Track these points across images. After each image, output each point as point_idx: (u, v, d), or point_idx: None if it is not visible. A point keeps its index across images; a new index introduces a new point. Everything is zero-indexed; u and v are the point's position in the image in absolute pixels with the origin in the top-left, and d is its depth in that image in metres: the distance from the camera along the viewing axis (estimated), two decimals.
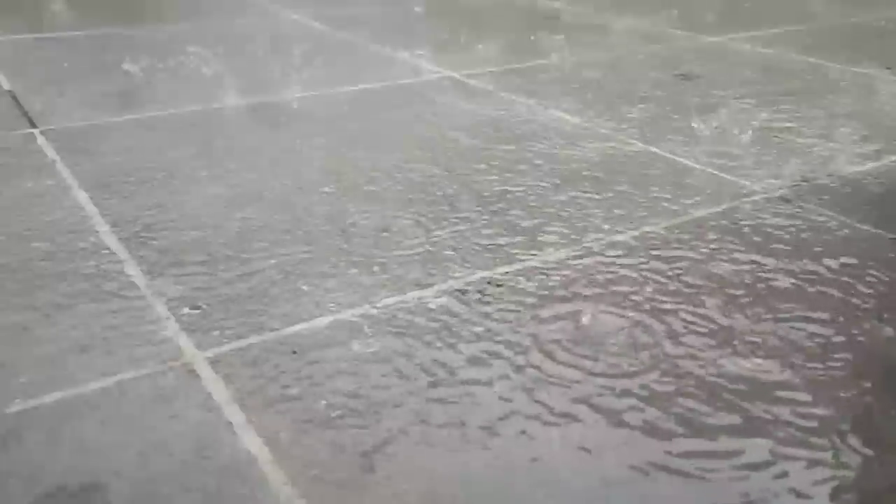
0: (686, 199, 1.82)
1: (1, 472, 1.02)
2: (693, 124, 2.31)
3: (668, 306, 1.39)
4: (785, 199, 1.82)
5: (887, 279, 1.49)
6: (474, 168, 1.98)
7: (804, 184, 1.92)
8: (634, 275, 1.49)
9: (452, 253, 1.56)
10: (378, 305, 1.39)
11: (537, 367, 1.22)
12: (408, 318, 1.35)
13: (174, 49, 3.11)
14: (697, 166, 2.01)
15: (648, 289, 1.44)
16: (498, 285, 1.45)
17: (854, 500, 0.99)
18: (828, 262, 1.55)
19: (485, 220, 1.70)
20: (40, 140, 2.15)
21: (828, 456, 1.05)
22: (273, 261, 1.53)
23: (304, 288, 1.44)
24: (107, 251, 1.56)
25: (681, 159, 2.06)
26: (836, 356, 1.26)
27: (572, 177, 1.94)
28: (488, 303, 1.39)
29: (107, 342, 1.28)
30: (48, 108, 2.41)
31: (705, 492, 1.00)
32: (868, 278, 1.49)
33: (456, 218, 1.70)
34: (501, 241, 1.61)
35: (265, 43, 3.26)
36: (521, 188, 1.86)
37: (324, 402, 1.15)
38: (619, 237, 1.64)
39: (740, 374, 1.22)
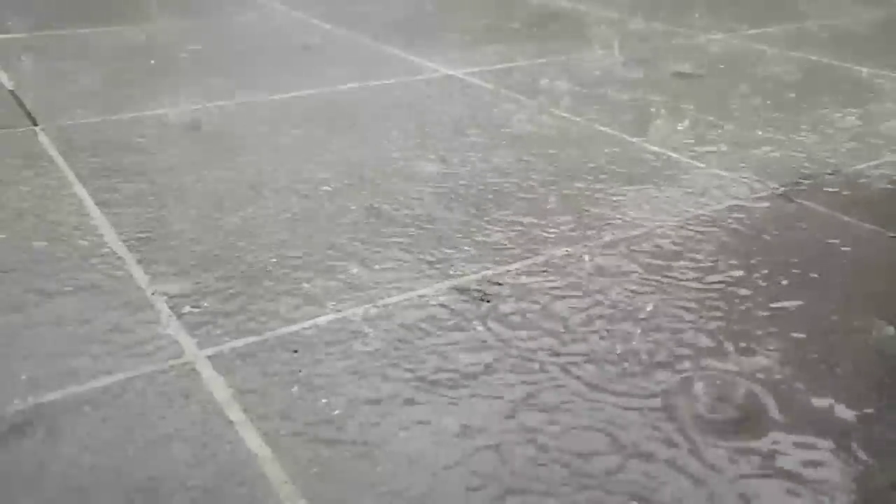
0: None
1: (2, 469, 1.02)
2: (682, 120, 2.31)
3: None
4: (787, 197, 1.83)
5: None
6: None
7: (806, 181, 1.92)
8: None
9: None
10: (379, 304, 1.39)
11: None
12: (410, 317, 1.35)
13: (177, 46, 3.11)
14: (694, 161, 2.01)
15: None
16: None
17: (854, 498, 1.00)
18: (828, 259, 1.55)
19: None
20: (42, 137, 2.15)
21: (827, 453, 1.06)
22: (275, 259, 1.54)
23: (306, 286, 1.44)
24: (108, 249, 1.57)
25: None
26: (836, 354, 1.26)
27: None
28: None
29: (108, 340, 1.28)
30: (50, 105, 2.41)
31: None
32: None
33: None
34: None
35: (266, 40, 3.26)
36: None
37: (324, 400, 1.15)
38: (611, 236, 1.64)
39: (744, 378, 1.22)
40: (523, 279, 1.47)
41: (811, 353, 1.27)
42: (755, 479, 1.02)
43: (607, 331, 1.32)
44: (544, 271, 1.50)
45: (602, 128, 2.27)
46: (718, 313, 1.37)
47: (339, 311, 1.37)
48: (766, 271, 1.51)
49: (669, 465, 1.03)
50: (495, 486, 1.00)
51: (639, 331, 1.32)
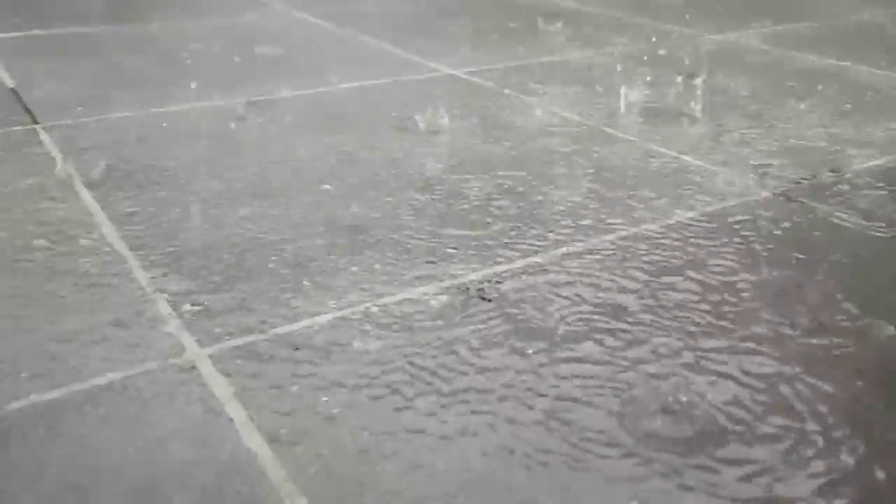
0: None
1: (2, 468, 1.02)
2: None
3: None
4: (787, 197, 1.82)
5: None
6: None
7: (806, 181, 1.92)
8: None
9: None
10: (379, 303, 1.39)
11: None
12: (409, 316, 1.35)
13: (178, 46, 3.11)
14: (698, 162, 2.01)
15: None
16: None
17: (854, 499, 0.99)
18: (828, 258, 1.55)
19: None
20: (42, 136, 2.15)
21: (827, 454, 1.06)
22: (275, 257, 1.54)
23: (307, 284, 1.44)
24: (108, 247, 1.57)
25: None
26: (836, 354, 1.26)
27: None
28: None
29: (108, 339, 1.28)
30: (51, 104, 2.41)
31: None
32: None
33: None
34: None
35: (267, 40, 3.26)
36: None
37: (325, 399, 1.15)
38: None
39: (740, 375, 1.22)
40: (524, 279, 1.47)
41: (811, 353, 1.27)
42: (751, 476, 1.02)
43: (606, 330, 1.32)
44: (545, 271, 1.50)
45: (604, 128, 2.27)
46: (717, 312, 1.37)
47: (340, 309, 1.37)
48: (765, 270, 1.51)
49: (665, 477, 1.03)
50: (495, 486, 1.00)
51: (637, 329, 1.32)
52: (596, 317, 1.35)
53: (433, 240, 1.61)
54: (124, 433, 1.08)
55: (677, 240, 1.62)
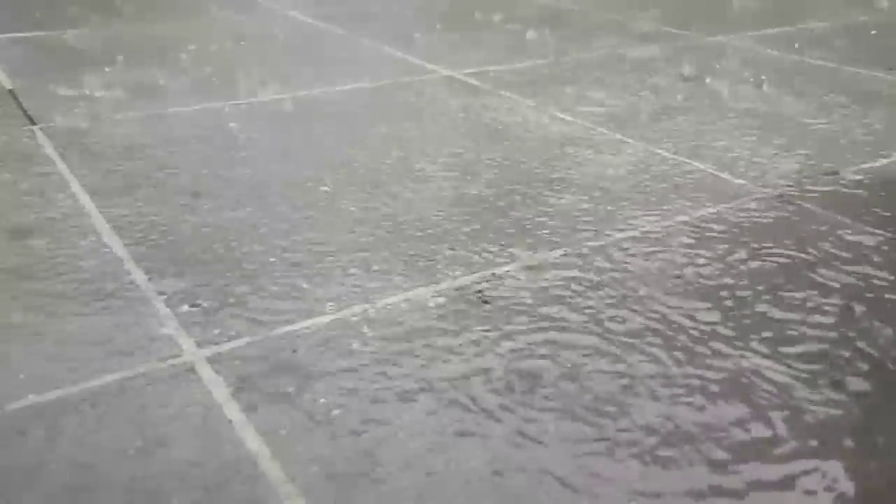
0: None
1: (2, 468, 1.02)
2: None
3: None
4: (785, 199, 1.83)
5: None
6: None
7: (804, 183, 1.92)
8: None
9: None
10: (378, 304, 1.39)
11: None
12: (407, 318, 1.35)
13: (175, 47, 3.11)
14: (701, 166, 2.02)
15: None
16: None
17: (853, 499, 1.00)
18: (827, 260, 1.56)
19: None
20: (40, 137, 2.15)
21: (827, 455, 1.06)
22: (273, 258, 1.54)
23: (305, 286, 1.44)
24: (106, 249, 1.57)
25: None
26: (834, 356, 1.27)
27: None
28: None
29: (106, 340, 1.28)
30: (48, 105, 2.41)
31: None
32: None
33: None
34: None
35: (264, 41, 3.26)
36: None
37: (323, 400, 1.15)
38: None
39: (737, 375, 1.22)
40: (522, 279, 1.47)
41: (809, 353, 1.27)
42: (747, 474, 1.02)
43: (605, 329, 1.32)
44: (542, 271, 1.50)
45: (602, 130, 2.28)
46: (716, 314, 1.38)
47: (338, 310, 1.37)
48: (763, 273, 1.51)
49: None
50: (496, 487, 1.00)
51: (632, 336, 1.32)
52: (593, 319, 1.36)
53: (432, 241, 1.62)
54: (123, 434, 1.08)
55: (673, 242, 1.63)
